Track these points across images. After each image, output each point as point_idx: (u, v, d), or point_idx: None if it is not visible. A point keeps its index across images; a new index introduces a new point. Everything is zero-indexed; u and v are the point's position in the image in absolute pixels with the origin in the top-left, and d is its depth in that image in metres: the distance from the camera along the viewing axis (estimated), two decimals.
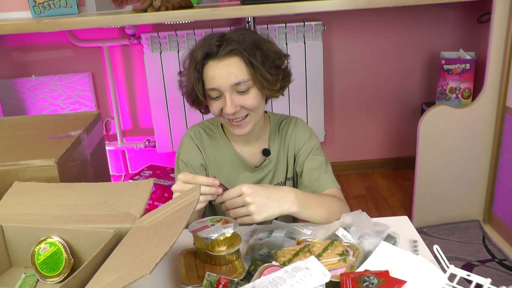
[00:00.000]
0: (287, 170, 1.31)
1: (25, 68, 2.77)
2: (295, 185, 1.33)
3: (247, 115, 1.16)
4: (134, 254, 0.73)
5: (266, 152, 1.28)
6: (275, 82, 1.15)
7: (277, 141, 1.30)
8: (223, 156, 1.29)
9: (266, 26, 2.54)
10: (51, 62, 2.76)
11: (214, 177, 0.98)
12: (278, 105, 2.62)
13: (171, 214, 0.83)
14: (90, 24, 2.03)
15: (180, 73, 1.22)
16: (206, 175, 1.28)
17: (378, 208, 2.57)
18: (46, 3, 2.35)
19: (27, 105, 2.78)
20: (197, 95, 1.15)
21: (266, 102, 1.26)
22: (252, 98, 1.14)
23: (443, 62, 2.36)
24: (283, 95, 1.26)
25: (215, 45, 1.11)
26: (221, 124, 1.31)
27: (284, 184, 1.32)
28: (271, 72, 1.13)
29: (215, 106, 1.16)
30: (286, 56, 1.22)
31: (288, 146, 1.30)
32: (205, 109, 1.24)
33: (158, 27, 2.62)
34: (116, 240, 0.87)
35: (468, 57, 2.31)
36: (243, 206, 0.94)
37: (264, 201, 0.95)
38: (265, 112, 1.30)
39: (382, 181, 2.89)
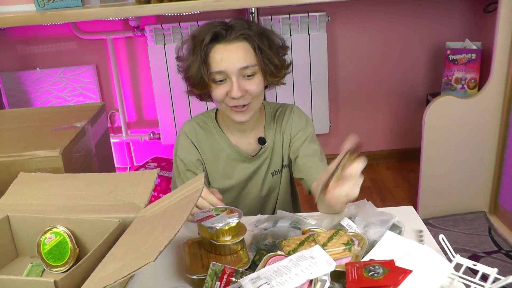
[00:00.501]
0: (283, 158, 1.32)
1: (29, 61, 2.77)
2: (291, 172, 1.34)
3: (248, 103, 1.17)
4: (138, 242, 0.73)
5: (261, 141, 1.28)
6: (281, 69, 1.19)
7: (272, 129, 1.31)
8: (219, 148, 1.29)
9: (270, 17, 2.52)
10: (56, 54, 2.76)
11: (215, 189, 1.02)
12: (283, 96, 2.61)
13: (175, 203, 0.84)
14: (93, 16, 2.02)
15: (178, 58, 1.21)
16: (203, 170, 1.29)
17: (383, 200, 2.56)
18: None
19: (32, 98, 2.79)
20: (203, 77, 1.14)
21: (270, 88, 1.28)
22: (257, 83, 1.16)
23: (448, 52, 2.34)
24: (284, 84, 1.27)
25: (224, 30, 1.13)
26: (215, 117, 1.31)
27: (281, 171, 1.32)
28: (279, 58, 1.17)
29: (219, 90, 1.15)
30: (287, 47, 1.24)
31: (283, 133, 1.30)
32: (203, 96, 1.23)
33: (162, 19, 2.61)
34: (121, 229, 0.87)
35: (474, 47, 2.29)
36: None
37: None
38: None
39: (387, 173, 2.88)
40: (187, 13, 2.46)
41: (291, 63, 1.25)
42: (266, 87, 1.25)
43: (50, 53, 2.75)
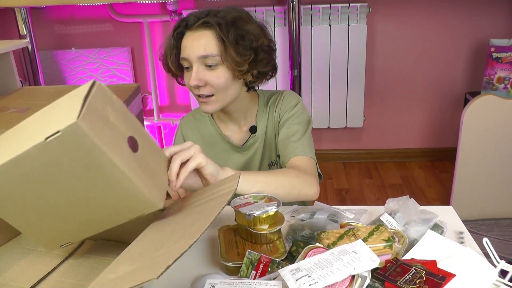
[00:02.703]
0: (276, 147, 1.26)
1: (65, 41, 2.80)
2: None
3: (212, 95, 1.13)
4: (155, 244, 0.69)
5: (253, 129, 1.25)
6: (242, 63, 1.10)
7: (264, 118, 1.26)
8: (211, 139, 1.28)
9: (310, 6, 2.48)
10: (91, 35, 2.78)
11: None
12: (319, 88, 2.58)
13: (205, 201, 0.80)
14: None
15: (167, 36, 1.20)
16: None
17: (414, 199, 2.50)
18: None
19: (66, 77, 2.82)
20: (168, 62, 1.16)
21: (249, 88, 1.20)
22: (218, 76, 1.11)
23: (492, 50, 2.25)
24: (257, 84, 1.20)
25: (198, 17, 1.10)
26: None
27: (277, 163, 1.27)
28: (240, 51, 1.09)
29: (186, 77, 1.15)
30: (270, 41, 1.16)
31: (274, 121, 1.26)
32: (180, 80, 1.22)
33: (200, 4, 2.60)
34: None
35: None
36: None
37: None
38: (255, 90, 1.26)
39: (419, 172, 2.81)
40: None
41: (267, 60, 1.16)
42: (251, 77, 1.17)
43: (86, 33, 2.78)
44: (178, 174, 0.86)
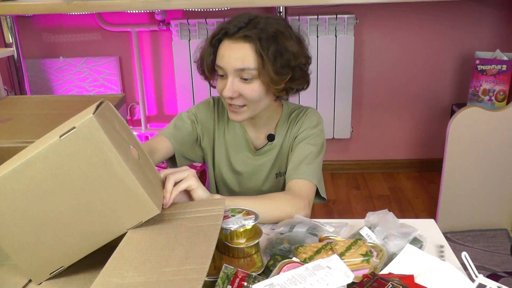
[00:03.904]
0: (287, 160, 1.28)
1: (53, 49, 2.79)
2: None
3: (244, 105, 1.15)
4: (157, 256, 0.71)
5: (270, 137, 1.27)
6: (279, 82, 1.11)
7: (284, 129, 1.28)
8: (232, 131, 1.30)
9: (297, 17, 2.49)
10: (80, 44, 2.77)
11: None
12: (306, 98, 2.58)
13: (191, 219, 0.82)
14: (120, 8, 2.02)
15: (205, 39, 1.20)
16: (199, 143, 1.31)
17: (401, 210, 2.51)
18: None
19: (53, 86, 2.80)
20: (204, 67, 1.16)
21: (277, 99, 1.23)
22: (252, 89, 1.12)
23: (477, 62, 2.27)
24: (287, 97, 1.22)
25: (238, 26, 1.10)
26: None
27: (284, 175, 1.29)
28: (278, 70, 1.09)
29: (219, 84, 1.16)
30: (307, 58, 1.18)
31: (291, 134, 1.27)
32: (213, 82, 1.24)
33: (188, 14, 2.60)
34: None
35: (505, 58, 2.22)
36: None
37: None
38: (280, 100, 1.28)
39: (407, 182, 2.82)
40: (214, 9, 2.45)
41: (305, 78, 1.19)
42: (285, 93, 1.18)
43: (74, 42, 2.77)
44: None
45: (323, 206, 2.56)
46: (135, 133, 2.81)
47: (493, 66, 2.23)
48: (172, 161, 1.29)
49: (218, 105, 1.32)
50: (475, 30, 2.59)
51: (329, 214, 2.49)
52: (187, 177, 0.93)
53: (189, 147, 1.29)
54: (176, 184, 0.92)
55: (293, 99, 1.27)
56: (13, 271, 0.84)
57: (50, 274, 0.80)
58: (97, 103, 0.77)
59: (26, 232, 0.76)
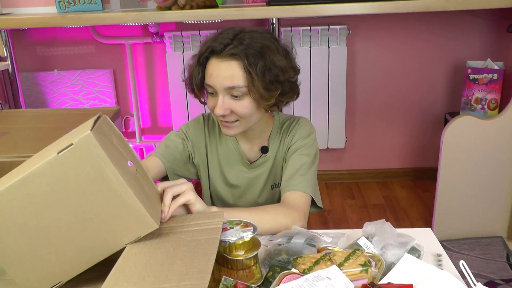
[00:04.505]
0: (282, 171, 1.28)
1: (48, 62, 2.78)
2: None
3: (237, 120, 1.16)
4: (156, 272, 0.71)
5: (264, 150, 1.27)
6: (269, 98, 1.12)
7: (276, 141, 1.28)
8: (225, 146, 1.30)
9: (290, 28, 2.51)
10: (74, 57, 2.77)
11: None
12: (300, 108, 2.59)
13: (189, 232, 0.82)
14: (114, 20, 2.03)
15: (193, 56, 1.20)
16: (192, 161, 1.31)
17: (396, 219, 2.51)
18: None
19: (48, 99, 2.80)
20: (194, 85, 1.17)
21: (268, 111, 1.23)
22: (243, 106, 1.12)
23: (469, 71, 2.30)
24: (278, 109, 1.24)
25: (223, 44, 1.09)
26: None
27: (280, 186, 1.29)
28: (267, 86, 1.10)
29: (209, 102, 1.17)
30: (295, 70, 1.19)
31: (284, 145, 1.28)
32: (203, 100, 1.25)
33: (182, 26, 2.61)
34: None
35: (496, 67, 2.25)
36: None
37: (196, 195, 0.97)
38: (271, 112, 1.29)
39: (402, 191, 2.83)
40: (207, 21, 2.46)
41: (294, 90, 1.20)
42: (276, 107, 1.20)
43: (68, 55, 2.77)
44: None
45: (319, 216, 2.56)
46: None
47: (484, 75, 2.26)
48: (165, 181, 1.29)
49: (209, 122, 1.33)
50: (466, 39, 2.62)
51: (325, 224, 2.49)
52: (186, 191, 0.94)
53: (181, 165, 1.29)
54: (174, 197, 0.92)
55: (286, 109, 1.28)
56: (11, 287, 0.84)
57: None
58: (95, 117, 0.77)
59: (23, 248, 0.76)
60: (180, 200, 0.92)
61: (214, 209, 1.00)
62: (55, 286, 0.79)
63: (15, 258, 0.76)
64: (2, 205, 0.73)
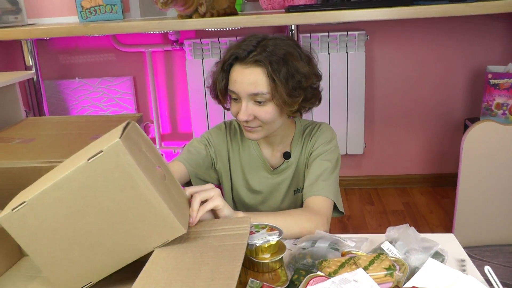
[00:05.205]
0: (304, 176, 1.29)
1: (69, 70, 2.84)
2: None
3: (259, 126, 1.17)
4: (183, 276, 0.72)
5: (286, 156, 1.28)
6: (292, 104, 1.13)
7: (298, 147, 1.30)
8: (247, 152, 1.32)
9: (309, 34, 2.52)
10: (95, 65, 2.82)
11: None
12: (319, 114, 2.60)
13: (217, 237, 0.84)
14: (136, 29, 2.06)
15: (216, 63, 1.23)
16: (214, 167, 1.33)
17: (416, 225, 2.49)
18: (92, 9, 2.41)
19: (69, 106, 2.85)
20: (218, 92, 1.19)
21: (290, 117, 1.25)
22: (267, 112, 1.14)
23: (489, 76, 2.28)
24: (301, 115, 1.25)
25: (247, 51, 1.11)
26: None
27: (302, 191, 1.30)
28: (290, 92, 1.12)
29: (233, 107, 1.19)
30: (318, 77, 1.20)
31: (306, 150, 1.29)
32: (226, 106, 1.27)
33: (201, 34, 2.64)
34: None
35: None
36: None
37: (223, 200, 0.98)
38: (293, 117, 1.30)
39: (421, 198, 2.81)
40: (227, 29, 2.49)
41: (317, 96, 1.22)
42: (298, 113, 1.22)
43: (89, 63, 2.82)
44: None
45: (338, 222, 2.56)
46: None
47: (505, 80, 2.24)
48: (188, 186, 1.31)
49: (230, 128, 1.35)
50: (487, 44, 2.60)
51: (344, 229, 2.48)
52: (214, 197, 0.95)
53: (203, 170, 1.31)
54: (202, 202, 0.93)
55: (306, 115, 1.29)
56: (45, 284, 0.86)
57: None
58: (124, 124, 0.79)
59: (56, 249, 0.78)
60: (208, 206, 0.93)
61: (241, 214, 1.01)
62: (86, 286, 0.81)
63: (48, 259, 0.79)
64: (36, 209, 0.75)
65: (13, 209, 0.75)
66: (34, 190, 0.76)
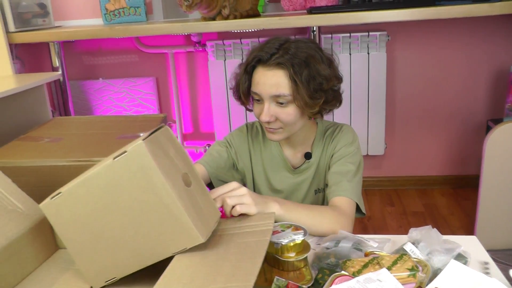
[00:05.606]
0: (325, 177, 1.31)
1: (93, 71, 2.90)
2: None
3: (281, 127, 1.20)
4: (205, 273, 0.73)
5: (307, 156, 1.30)
6: (313, 106, 1.15)
7: (320, 147, 1.31)
8: (269, 152, 1.34)
9: (330, 35, 2.53)
10: (118, 66, 2.87)
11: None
12: (340, 115, 2.60)
13: (240, 234, 0.86)
14: (160, 31, 2.10)
15: (239, 65, 1.25)
16: (236, 168, 1.35)
17: (436, 227, 2.41)
18: (116, 11, 2.46)
19: (93, 106, 2.91)
20: (240, 93, 1.22)
21: (311, 118, 1.26)
22: (288, 113, 1.16)
23: None
24: (322, 116, 1.27)
25: (270, 53, 1.14)
26: None
27: (323, 191, 1.32)
28: (312, 94, 1.13)
29: (256, 108, 1.21)
30: (339, 79, 1.22)
31: (328, 152, 1.30)
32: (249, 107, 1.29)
33: (223, 35, 2.67)
34: None
35: None
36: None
37: (253, 197, 0.99)
38: (314, 118, 1.32)
39: (442, 199, 2.79)
40: (249, 30, 2.51)
41: (338, 98, 1.24)
42: (319, 115, 1.24)
43: (113, 64, 2.87)
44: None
45: (359, 223, 2.56)
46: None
47: None
48: (210, 188, 1.33)
49: (252, 130, 1.38)
50: (510, 44, 2.57)
51: (365, 230, 2.49)
52: (247, 204, 0.96)
53: (225, 171, 1.33)
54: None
55: (327, 116, 1.31)
56: (77, 276, 0.90)
57: (105, 282, 0.84)
58: (157, 127, 0.82)
59: (85, 240, 0.82)
60: (241, 211, 0.95)
61: (272, 203, 1.02)
62: (109, 281, 0.84)
63: (79, 249, 0.83)
64: (69, 200, 0.80)
65: (51, 198, 0.80)
66: (69, 184, 0.80)
